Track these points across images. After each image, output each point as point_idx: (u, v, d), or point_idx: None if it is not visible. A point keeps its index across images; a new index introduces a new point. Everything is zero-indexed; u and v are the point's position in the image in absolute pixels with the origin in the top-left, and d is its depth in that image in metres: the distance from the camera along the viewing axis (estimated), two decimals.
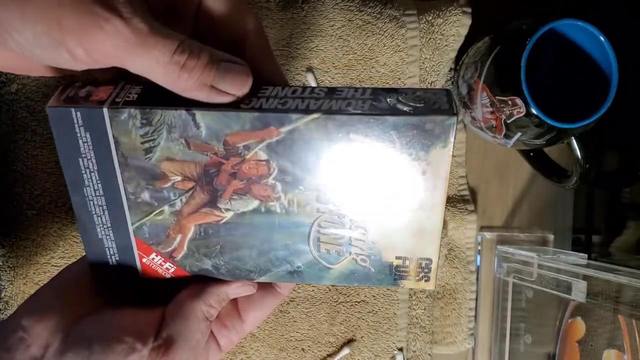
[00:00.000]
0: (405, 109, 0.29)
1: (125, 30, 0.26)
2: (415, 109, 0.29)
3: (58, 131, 0.30)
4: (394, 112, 0.29)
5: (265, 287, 0.36)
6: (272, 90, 0.30)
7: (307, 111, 0.29)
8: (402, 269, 0.33)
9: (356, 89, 0.31)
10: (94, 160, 0.30)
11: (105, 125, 0.29)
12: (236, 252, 0.33)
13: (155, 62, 0.27)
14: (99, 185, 0.31)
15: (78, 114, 0.29)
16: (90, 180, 0.31)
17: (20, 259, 0.48)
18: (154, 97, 0.30)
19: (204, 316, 0.32)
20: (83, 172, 0.31)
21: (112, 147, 0.30)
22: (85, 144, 0.30)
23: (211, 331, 0.34)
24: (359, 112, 0.29)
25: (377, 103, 0.29)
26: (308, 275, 0.33)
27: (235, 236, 0.32)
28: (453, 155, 0.57)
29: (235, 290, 0.34)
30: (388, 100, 0.30)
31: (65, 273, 0.34)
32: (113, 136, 0.30)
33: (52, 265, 0.49)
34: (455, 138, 0.29)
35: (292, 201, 0.31)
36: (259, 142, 0.30)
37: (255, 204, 0.31)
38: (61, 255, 0.49)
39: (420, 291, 0.55)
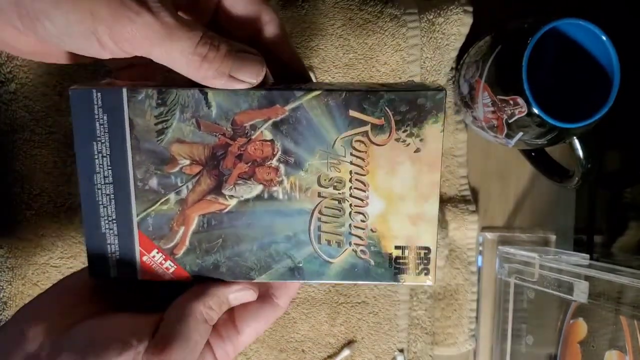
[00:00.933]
0: (398, 87, 0.32)
1: (154, 22, 0.28)
2: (408, 87, 0.32)
3: (77, 113, 0.31)
4: (389, 88, 0.32)
5: (263, 298, 0.35)
6: (279, 84, 0.33)
7: (309, 90, 0.31)
8: (401, 260, 0.33)
9: (352, 84, 0.33)
10: (107, 144, 0.32)
11: (123, 105, 0.31)
12: (237, 247, 0.33)
13: (180, 53, 0.29)
14: (109, 171, 0.32)
15: (99, 94, 0.31)
16: (101, 166, 0.32)
17: (18, 260, 0.48)
18: (168, 86, 0.32)
19: (204, 318, 0.32)
20: (96, 156, 0.32)
21: (127, 129, 0.32)
22: (102, 127, 0.32)
23: (208, 341, 0.34)
24: (356, 89, 0.32)
25: (372, 88, 0.32)
26: (308, 272, 0.33)
27: (237, 227, 0.33)
28: (454, 155, 0.57)
29: (236, 293, 0.33)
30: (382, 87, 0.33)
31: (66, 281, 0.34)
32: (129, 118, 0.31)
33: (51, 266, 0.49)
34: (445, 114, 0.32)
35: (294, 185, 0.33)
36: (265, 120, 0.32)
37: (258, 189, 0.33)
38: (60, 256, 0.49)
39: (422, 292, 0.55)
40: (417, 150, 0.32)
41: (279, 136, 0.32)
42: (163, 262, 0.33)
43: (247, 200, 0.33)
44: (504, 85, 0.45)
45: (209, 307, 0.32)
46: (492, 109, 0.47)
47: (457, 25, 0.52)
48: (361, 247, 0.33)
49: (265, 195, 0.33)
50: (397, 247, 0.33)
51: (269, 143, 0.32)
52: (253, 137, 0.32)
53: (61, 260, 0.49)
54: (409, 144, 0.32)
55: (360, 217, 0.33)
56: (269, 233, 0.33)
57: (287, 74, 0.36)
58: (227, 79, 0.31)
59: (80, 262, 0.49)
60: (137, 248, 0.33)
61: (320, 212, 0.33)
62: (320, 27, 0.51)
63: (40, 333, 0.30)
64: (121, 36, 0.28)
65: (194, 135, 0.32)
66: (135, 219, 0.32)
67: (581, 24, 0.44)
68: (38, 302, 0.33)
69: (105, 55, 0.30)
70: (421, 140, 0.32)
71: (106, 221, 0.33)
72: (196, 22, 0.31)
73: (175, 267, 0.33)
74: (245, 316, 0.35)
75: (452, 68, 0.54)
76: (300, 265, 0.33)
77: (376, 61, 0.51)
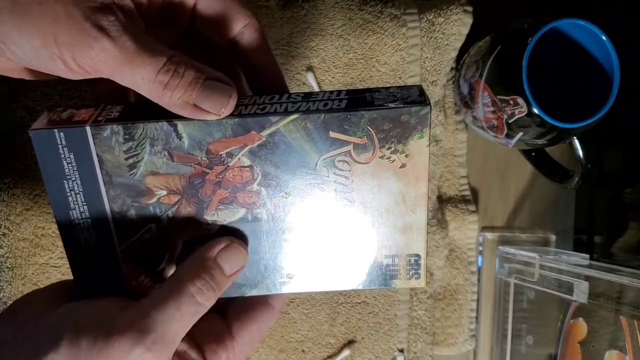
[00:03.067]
0: (380, 104, 0.30)
1: (112, 48, 0.28)
2: (390, 103, 0.30)
3: (42, 154, 0.30)
4: (370, 106, 0.30)
5: (257, 301, 0.35)
6: (251, 99, 0.31)
7: (285, 113, 0.30)
8: (392, 267, 0.33)
9: (332, 92, 0.32)
10: (78, 182, 0.31)
11: (89, 143, 0.30)
12: None
13: (141, 79, 0.28)
14: (85, 207, 0.31)
15: (61, 134, 0.30)
16: (75, 202, 0.31)
17: (18, 260, 0.48)
18: (135, 113, 0.30)
19: (191, 293, 0.30)
20: (68, 194, 0.31)
21: (97, 166, 0.31)
22: (70, 165, 0.30)
23: (200, 350, 0.33)
24: (335, 108, 0.30)
25: (353, 102, 0.31)
26: (299, 283, 0.34)
27: None
28: (454, 155, 0.57)
29: (224, 253, 0.31)
30: (364, 98, 0.31)
31: (58, 283, 0.35)
32: (97, 154, 0.30)
33: (51, 266, 0.49)
34: (430, 128, 0.32)
35: (277, 206, 0.32)
36: (241, 147, 0.31)
37: (241, 212, 0.32)
38: (60, 256, 0.49)
39: (422, 292, 0.55)
40: (403, 166, 0.31)
41: (258, 161, 0.31)
42: (152, 284, 0.33)
43: (230, 224, 0.32)
44: (504, 85, 0.45)
45: (197, 277, 0.30)
46: (492, 109, 0.47)
47: (457, 25, 0.52)
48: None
49: (249, 217, 0.32)
50: (387, 256, 0.33)
51: (247, 169, 0.31)
52: (230, 164, 0.31)
53: (61, 260, 0.49)
54: (394, 160, 0.31)
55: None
56: (255, 252, 0.33)
57: (264, 84, 0.35)
58: (192, 108, 0.29)
59: None
60: (124, 275, 0.33)
61: (307, 228, 0.33)
62: (320, 27, 0.51)
63: (28, 315, 0.30)
64: (82, 60, 0.28)
65: (167, 167, 0.31)
66: (118, 250, 0.32)
67: (581, 24, 0.44)
68: (32, 294, 0.33)
69: (74, 76, 0.29)
70: (406, 155, 0.31)
71: (90, 254, 0.32)
72: (164, 44, 0.30)
73: None
74: (241, 318, 0.34)
75: (452, 68, 0.54)
76: (291, 277, 0.33)
77: (376, 61, 0.51)
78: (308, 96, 0.31)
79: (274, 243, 0.33)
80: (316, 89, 0.51)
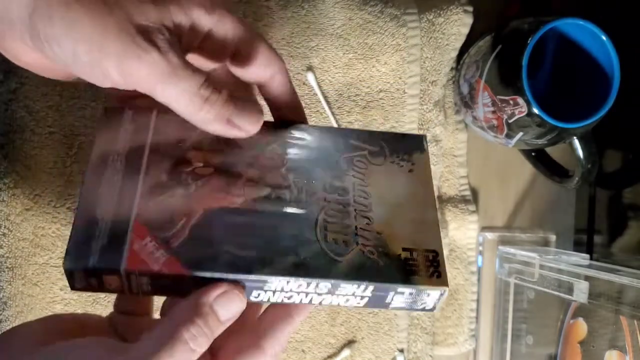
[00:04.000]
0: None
1: (160, 61, 0.30)
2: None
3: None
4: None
5: (250, 336, 0.33)
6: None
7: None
8: (411, 261, 0.33)
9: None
10: (131, 129, 0.35)
11: (151, 118, 0.36)
12: (240, 240, 0.32)
13: (183, 93, 0.30)
14: (123, 157, 0.34)
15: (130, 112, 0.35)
16: (118, 145, 0.34)
17: (18, 260, 0.48)
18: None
19: (185, 339, 0.29)
20: (117, 134, 0.34)
21: (151, 128, 0.35)
22: (129, 118, 0.35)
23: None
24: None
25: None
26: (314, 269, 0.32)
27: (242, 223, 0.33)
28: (454, 155, 0.57)
29: (220, 299, 0.30)
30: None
31: (53, 318, 0.35)
32: (154, 122, 0.35)
33: (51, 266, 0.49)
34: (428, 148, 0.38)
35: (301, 189, 0.34)
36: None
37: (266, 191, 0.34)
38: (60, 256, 0.49)
39: None
40: (411, 171, 0.37)
41: (288, 150, 0.36)
42: (155, 251, 0.31)
43: (254, 200, 0.34)
44: (504, 85, 0.45)
45: (192, 323, 0.29)
46: (492, 109, 0.47)
47: (457, 25, 0.52)
48: (369, 248, 0.33)
49: (273, 196, 0.34)
50: (404, 249, 0.34)
51: (279, 154, 0.35)
52: (265, 150, 0.35)
53: (61, 260, 0.49)
54: (403, 165, 0.37)
55: (366, 220, 0.34)
56: (274, 231, 0.33)
57: (287, 117, 0.38)
58: (226, 123, 0.32)
59: None
60: (130, 234, 0.32)
61: (326, 214, 0.34)
62: (320, 26, 0.51)
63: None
64: (127, 71, 0.30)
65: (211, 145, 0.35)
66: (136, 203, 0.32)
67: (581, 24, 0.44)
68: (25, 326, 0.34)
69: (106, 84, 0.31)
70: (412, 164, 0.37)
71: (105, 200, 0.32)
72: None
73: (166, 257, 0.31)
74: (271, 326, 0.33)
75: (452, 68, 0.54)
76: (306, 261, 0.32)
77: (376, 61, 0.51)
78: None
79: (294, 225, 0.33)
80: (316, 88, 0.51)
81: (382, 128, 0.52)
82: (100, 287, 0.32)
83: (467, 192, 0.57)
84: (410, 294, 0.33)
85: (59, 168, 0.48)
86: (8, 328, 0.47)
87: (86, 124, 0.48)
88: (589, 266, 0.51)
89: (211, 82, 0.31)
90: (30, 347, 0.31)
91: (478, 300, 0.58)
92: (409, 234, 0.34)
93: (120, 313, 0.36)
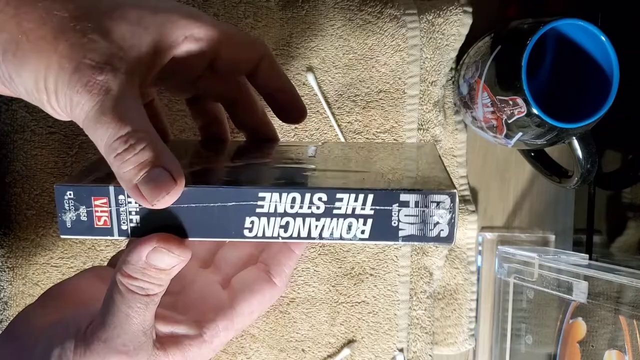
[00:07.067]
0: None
1: (87, 105, 0.29)
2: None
3: None
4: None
5: (261, 277, 0.36)
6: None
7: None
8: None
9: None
10: None
11: None
12: (231, 176, 0.33)
13: (100, 140, 0.29)
14: None
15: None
16: None
17: (19, 259, 0.48)
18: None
19: (126, 288, 0.30)
20: None
21: None
22: None
23: (199, 319, 0.34)
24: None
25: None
26: (304, 183, 0.31)
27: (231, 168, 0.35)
28: (453, 155, 0.57)
29: (154, 254, 0.30)
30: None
31: (49, 294, 0.37)
32: None
33: (52, 266, 0.49)
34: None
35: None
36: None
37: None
38: (60, 256, 0.49)
39: (421, 292, 0.55)
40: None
41: None
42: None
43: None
44: (503, 86, 0.45)
45: (127, 276, 0.30)
46: (491, 109, 0.47)
47: (456, 26, 0.52)
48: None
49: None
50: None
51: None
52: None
53: (62, 260, 0.49)
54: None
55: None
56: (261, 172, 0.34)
57: (285, 105, 0.38)
58: (133, 188, 0.29)
59: (80, 262, 0.49)
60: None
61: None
62: (320, 27, 0.51)
63: None
64: (62, 109, 0.30)
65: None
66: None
67: (580, 24, 0.44)
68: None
69: (60, 118, 0.31)
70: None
71: None
72: (181, 88, 0.37)
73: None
74: (241, 289, 0.36)
75: (451, 68, 0.54)
76: (296, 180, 0.31)
77: (376, 61, 0.51)
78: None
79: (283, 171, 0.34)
80: (316, 89, 0.51)
81: (381, 128, 0.52)
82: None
83: (467, 192, 0.57)
84: (417, 203, 0.29)
85: (59, 168, 0.48)
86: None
87: None
88: (588, 266, 0.51)
89: (137, 136, 0.29)
90: (38, 329, 0.33)
91: (477, 300, 0.58)
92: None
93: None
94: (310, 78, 0.51)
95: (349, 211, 0.29)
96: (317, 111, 0.51)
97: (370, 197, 0.29)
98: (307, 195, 0.29)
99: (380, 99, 0.52)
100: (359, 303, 0.54)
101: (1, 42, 0.29)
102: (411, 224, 0.29)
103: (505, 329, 0.57)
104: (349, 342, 0.54)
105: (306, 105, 0.39)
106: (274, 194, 0.30)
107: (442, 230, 0.29)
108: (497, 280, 0.57)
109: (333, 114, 0.52)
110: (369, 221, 0.29)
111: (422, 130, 0.53)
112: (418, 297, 0.55)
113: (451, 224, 0.29)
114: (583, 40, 0.47)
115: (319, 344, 0.53)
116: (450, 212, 0.29)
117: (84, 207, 0.30)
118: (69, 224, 0.31)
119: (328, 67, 0.51)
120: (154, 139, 0.30)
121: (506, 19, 0.49)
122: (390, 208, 0.29)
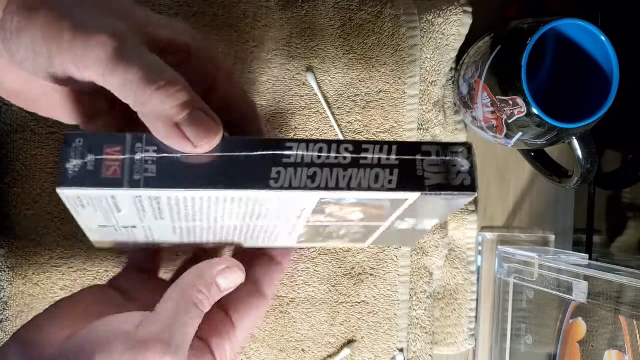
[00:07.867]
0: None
1: (109, 42, 0.27)
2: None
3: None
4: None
5: (252, 291, 0.36)
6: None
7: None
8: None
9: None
10: None
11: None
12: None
13: (133, 75, 0.27)
14: None
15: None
16: None
17: (19, 259, 0.48)
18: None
19: (192, 302, 0.31)
20: None
21: None
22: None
23: (206, 340, 0.34)
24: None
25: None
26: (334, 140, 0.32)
27: None
28: None
29: (223, 276, 0.33)
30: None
31: (56, 307, 0.35)
32: None
33: (52, 266, 0.49)
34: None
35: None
36: None
37: None
38: (60, 256, 0.49)
39: (421, 292, 0.55)
40: None
41: None
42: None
43: None
44: (503, 86, 0.45)
45: (198, 291, 0.31)
46: (491, 109, 0.47)
47: (456, 26, 0.52)
48: None
49: None
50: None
51: None
52: None
53: (62, 260, 0.49)
54: None
55: None
56: None
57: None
58: (171, 128, 0.27)
59: (80, 262, 0.49)
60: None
61: None
62: (320, 27, 0.51)
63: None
64: (79, 55, 0.28)
65: None
66: None
67: (580, 24, 0.44)
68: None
69: (64, 83, 0.30)
70: None
71: None
72: None
73: None
74: (239, 308, 0.35)
75: (451, 68, 0.54)
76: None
77: (376, 61, 0.51)
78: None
79: None
80: (316, 89, 0.51)
81: (381, 128, 0.52)
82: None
83: None
84: (438, 152, 0.30)
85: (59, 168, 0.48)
86: (8, 328, 0.47)
87: None
88: (588, 266, 0.51)
89: (174, 75, 0.27)
90: (57, 337, 0.32)
91: (477, 300, 0.58)
92: None
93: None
94: (310, 78, 0.51)
95: (375, 162, 0.30)
96: (317, 111, 0.51)
97: (395, 147, 0.30)
98: (334, 146, 0.30)
99: (380, 99, 0.52)
100: (359, 303, 0.54)
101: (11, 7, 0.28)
102: (436, 173, 0.30)
103: (505, 329, 0.57)
104: (349, 342, 0.54)
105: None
106: (301, 144, 0.30)
107: (465, 179, 0.30)
108: (497, 280, 0.57)
109: (333, 114, 0.52)
110: (395, 171, 0.30)
111: (422, 130, 0.53)
112: (418, 297, 0.55)
113: (472, 173, 0.31)
114: (583, 40, 0.47)
115: (319, 344, 0.53)
116: (469, 161, 0.31)
117: (93, 155, 0.28)
118: (71, 173, 0.28)
119: (328, 67, 0.51)
120: (187, 84, 0.28)
121: (506, 19, 0.49)
122: (414, 158, 0.30)
